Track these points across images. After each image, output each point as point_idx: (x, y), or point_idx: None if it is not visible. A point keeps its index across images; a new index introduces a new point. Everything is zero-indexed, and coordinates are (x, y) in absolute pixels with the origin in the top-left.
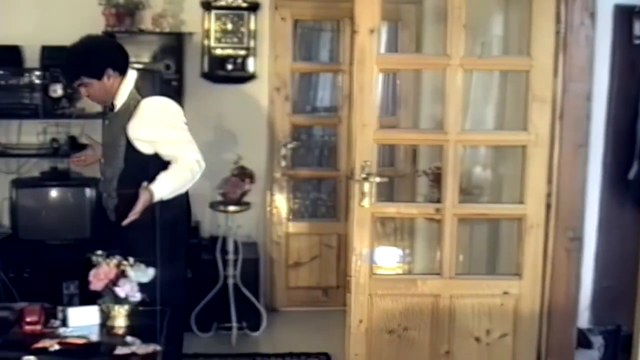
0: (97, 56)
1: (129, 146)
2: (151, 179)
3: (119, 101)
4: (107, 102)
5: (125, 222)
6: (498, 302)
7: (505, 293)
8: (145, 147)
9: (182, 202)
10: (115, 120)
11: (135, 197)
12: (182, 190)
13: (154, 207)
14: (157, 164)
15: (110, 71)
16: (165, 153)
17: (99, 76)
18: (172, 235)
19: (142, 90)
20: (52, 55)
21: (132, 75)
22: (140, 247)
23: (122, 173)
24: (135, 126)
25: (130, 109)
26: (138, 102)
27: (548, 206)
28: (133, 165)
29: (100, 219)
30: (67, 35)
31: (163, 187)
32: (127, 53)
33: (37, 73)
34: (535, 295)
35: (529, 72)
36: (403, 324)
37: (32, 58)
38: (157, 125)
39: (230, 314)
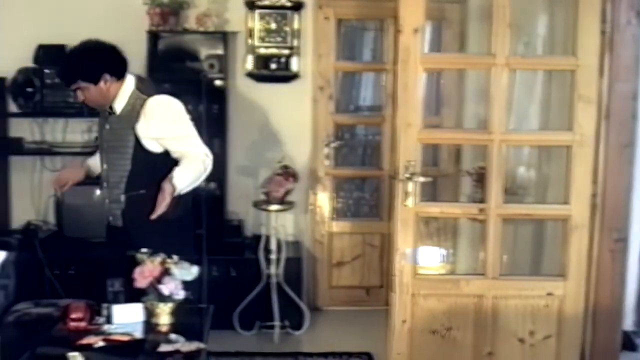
0: (94, 61)
1: (138, 146)
2: (160, 178)
3: (119, 104)
4: (105, 106)
5: (154, 215)
6: (542, 303)
7: (549, 294)
8: (154, 146)
9: (187, 198)
10: (119, 122)
11: (144, 198)
12: (197, 183)
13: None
14: (165, 163)
15: (107, 76)
16: (175, 149)
17: (95, 81)
18: (179, 230)
19: (145, 90)
20: None
21: (130, 79)
22: (152, 246)
23: (130, 174)
24: (146, 124)
25: (136, 109)
26: (144, 101)
27: (593, 207)
28: (141, 166)
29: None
30: (112, 34)
31: (182, 180)
32: (125, 58)
33: None
34: (579, 296)
35: (574, 71)
36: (446, 324)
37: None
38: (167, 121)
39: (273, 312)
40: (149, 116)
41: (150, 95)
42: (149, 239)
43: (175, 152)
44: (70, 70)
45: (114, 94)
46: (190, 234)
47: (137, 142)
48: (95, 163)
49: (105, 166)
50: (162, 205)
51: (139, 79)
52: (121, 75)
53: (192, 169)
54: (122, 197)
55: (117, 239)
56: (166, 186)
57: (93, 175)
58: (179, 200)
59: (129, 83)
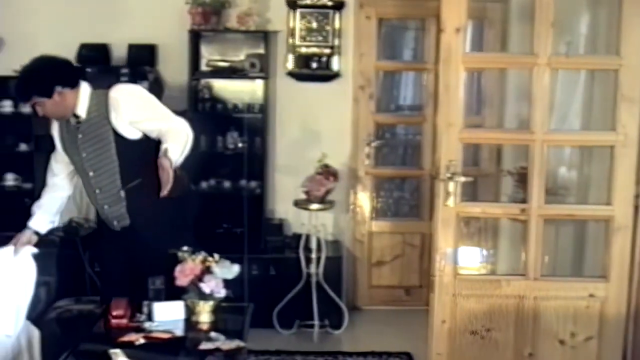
0: (44, 76)
1: (118, 138)
2: (149, 162)
3: (82, 109)
4: (66, 116)
5: (165, 192)
6: (583, 304)
7: (591, 295)
8: (133, 133)
9: (183, 177)
10: (91, 125)
11: (142, 185)
12: (186, 153)
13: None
14: (148, 146)
15: (58, 88)
16: (152, 128)
17: (49, 94)
18: (182, 210)
19: (101, 87)
20: (138, 54)
21: (84, 84)
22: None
23: (121, 169)
24: (118, 114)
25: (102, 105)
26: (106, 95)
27: (636, 208)
28: (128, 156)
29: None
30: (153, 34)
31: (174, 152)
32: (75, 67)
33: (124, 70)
34: (621, 298)
35: (617, 71)
36: (486, 324)
37: (119, 56)
38: (136, 104)
39: (313, 311)
40: (116, 105)
41: (108, 88)
42: (156, 226)
43: (153, 132)
44: (24, 88)
45: (72, 103)
46: (191, 216)
47: (116, 134)
48: (40, 214)
49: (91, 174)
50: (168, 181)
51: (93, 85)
52: (74, 84)
53: (178, 140)
54: (122, 193)
55: (119, 242)
56: (163, 161)
57: (44, 231)
58: (176, 177)
59: (84, 87)
